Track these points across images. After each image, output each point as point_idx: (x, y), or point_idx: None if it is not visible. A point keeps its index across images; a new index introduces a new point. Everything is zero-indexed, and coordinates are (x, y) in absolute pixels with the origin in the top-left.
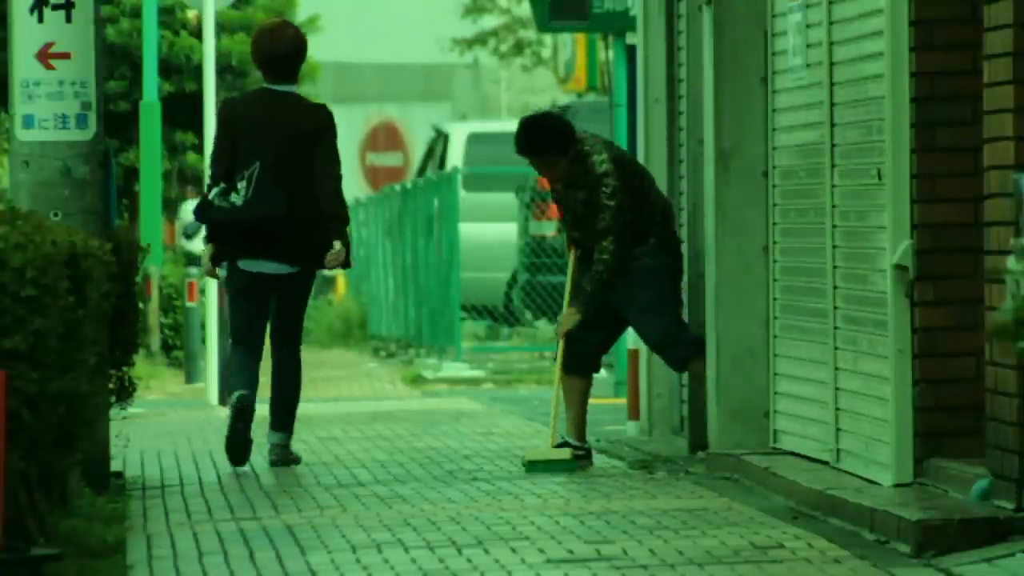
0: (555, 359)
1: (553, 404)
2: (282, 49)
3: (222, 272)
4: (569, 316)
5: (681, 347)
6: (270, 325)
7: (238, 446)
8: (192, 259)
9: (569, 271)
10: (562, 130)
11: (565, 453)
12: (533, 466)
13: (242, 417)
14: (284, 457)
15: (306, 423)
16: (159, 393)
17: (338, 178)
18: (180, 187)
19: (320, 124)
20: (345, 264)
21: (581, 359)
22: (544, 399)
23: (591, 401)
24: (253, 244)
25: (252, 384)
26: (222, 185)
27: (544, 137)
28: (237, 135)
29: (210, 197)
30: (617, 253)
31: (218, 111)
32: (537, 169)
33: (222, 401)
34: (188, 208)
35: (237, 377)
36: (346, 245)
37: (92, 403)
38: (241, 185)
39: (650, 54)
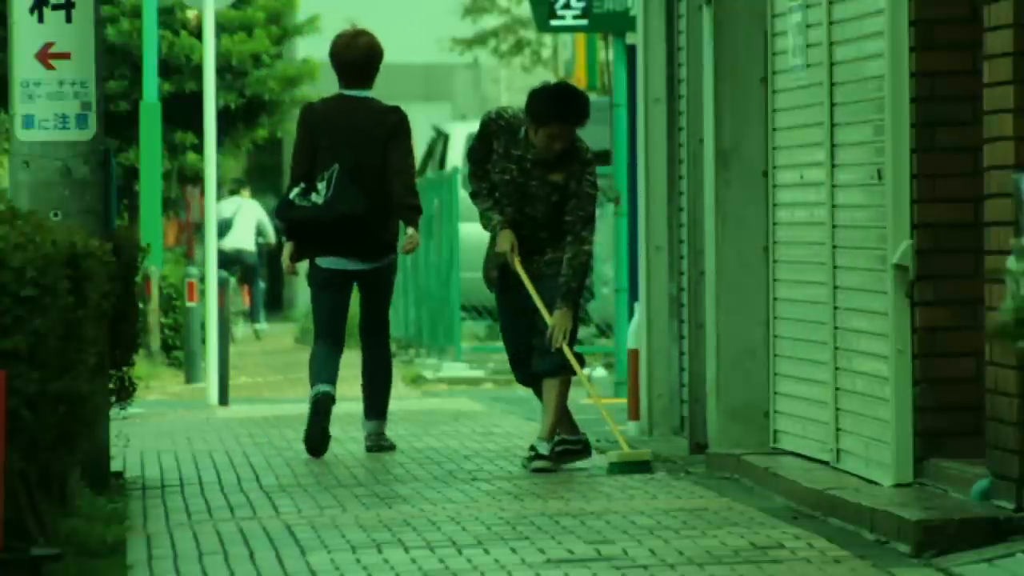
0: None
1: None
2: (356, 57)
3: (301, 267)
4: (565, 317)
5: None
6: (359, 319)
7: (316, 439)
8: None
9: (520, 269)
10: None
11: (645, 454)
12: (613, 467)
13: (320, 411)
14: (379, 443)
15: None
16: (159, 393)
17: (412, 173)
18: (180, 187)
19: (393, 126)
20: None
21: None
22: None
23: (591, 401)
24: (332, 242)
25: (332, 379)
26: (303, 185)
27: (588, 107)
28: (316, 138)
29: (291, 197)
30: (587, 239)
31: (299, 115)
32: (558, 140)
33: (222, 401)
34: (221, 206)
35: (319, 372)
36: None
37: (92, 403)
38: (321, 185)
39: (650, 54)
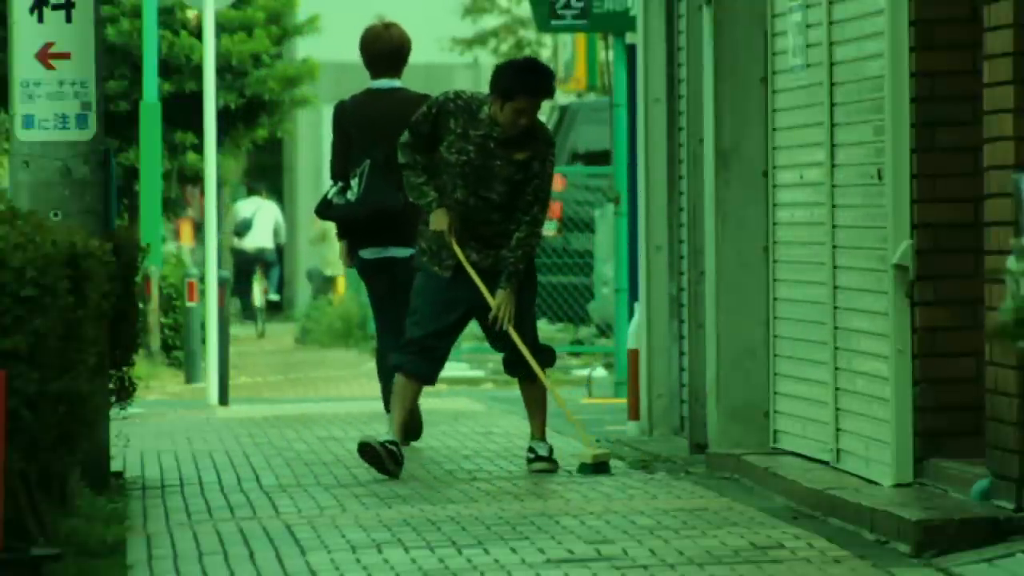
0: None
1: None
2: (387, 47)
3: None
4: (508, 299)
5: (545, 355)
6: (382, 315)
7: (411, 428)
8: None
9: (458, 251)
10: None
11: (607, 451)
12: (584, 468)
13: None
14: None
15: (306, 423)
16: (159, 393)
17: None
18: (180, 187)
19: None
20: None
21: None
22: None
23: (591, 401)
24: (372, 235)
25: None
26: (339, 184)
27: (554, 81)
28: (349, 135)
29: (329, 196)
30: (542, 223)
31: (333, 114)
32: (525, 114)
33: (222, 401)
34: (240, 206)
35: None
36: None
37: (92, 403)
38: (354, 183)
39: (650, 54)
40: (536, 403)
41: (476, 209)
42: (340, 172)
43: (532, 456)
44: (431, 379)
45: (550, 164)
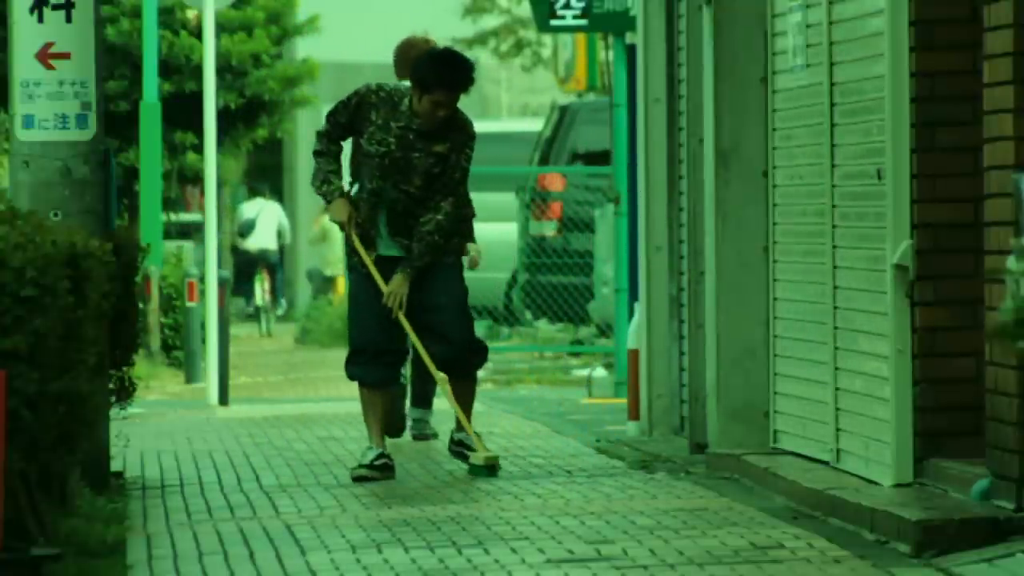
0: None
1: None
2: (416, 54)
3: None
4: (402, 284)
5: (482, 354)
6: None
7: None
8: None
9: (359, 245)
10: None
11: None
12: (474, 469)
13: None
14: (421, 431)
15: (306, 423)
16: (159, 393)
17: None
18: (180, 187)
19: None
20: None
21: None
22: (545, 399)
23: (591, 401)
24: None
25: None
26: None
27: (473, 73)
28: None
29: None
30: (452, 216)
31: None
32: (443, 107)
33: (222, 401)
34: (244, 208)
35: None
36: None
37: (92, 403)
38: None
39: (650, 54)
40: (465, 400)
41: (397, 201)
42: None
43: (461, 449)
44: (394, 382)
45: (466, 156)
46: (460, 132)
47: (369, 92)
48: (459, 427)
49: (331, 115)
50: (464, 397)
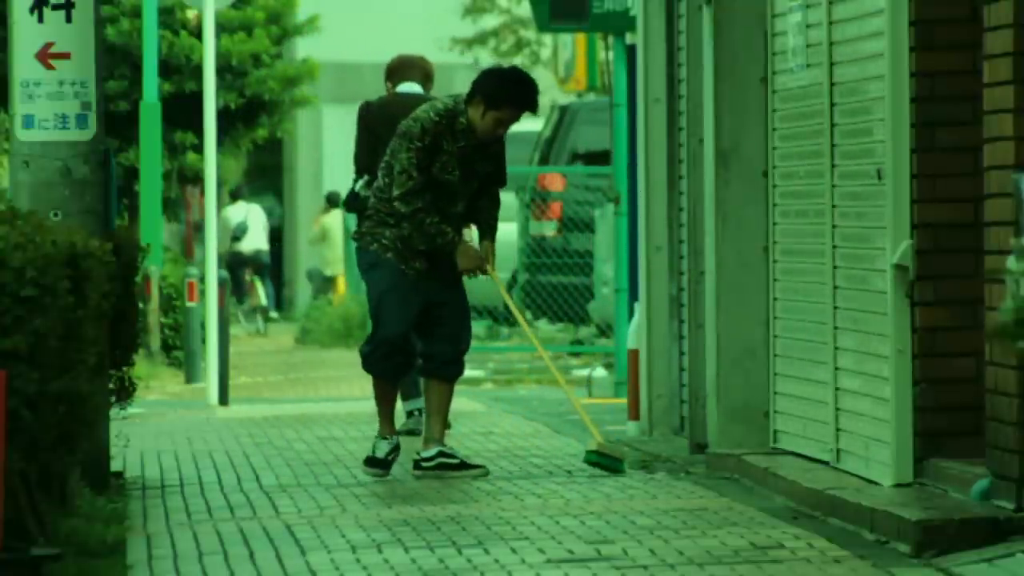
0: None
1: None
2: (415, 60)
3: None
4: (489, 250)
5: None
6: None
7: None
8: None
9: (502, 287)
10: None
11: (621, 452)
12: (590, 455)
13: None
14: (416, 426)
15: (306, 423)
16: (159, 393)
17: None
18: (180, 187)
19: None
20: None
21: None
22: (545, 399)
23: (591, 401)
24: None
25: None
26: (366, 177)
27: (538, 95)
28: (378, 133)
29: (356, 189)
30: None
31: (358, 113)
32: (505, 124)
33: (222, 401)
34: (230, 212)
35: None
36: None
37: (92, 403)
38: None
39: (650, 54)
40: (443, 406)
41: (451, 222)
42: (366, 167)
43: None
44: (408, 375)
45: (503, 158)
46: (499, 139)
47: (431, 123)
48: (436, 437)
49: (408, 167)
50: (447, 403)
